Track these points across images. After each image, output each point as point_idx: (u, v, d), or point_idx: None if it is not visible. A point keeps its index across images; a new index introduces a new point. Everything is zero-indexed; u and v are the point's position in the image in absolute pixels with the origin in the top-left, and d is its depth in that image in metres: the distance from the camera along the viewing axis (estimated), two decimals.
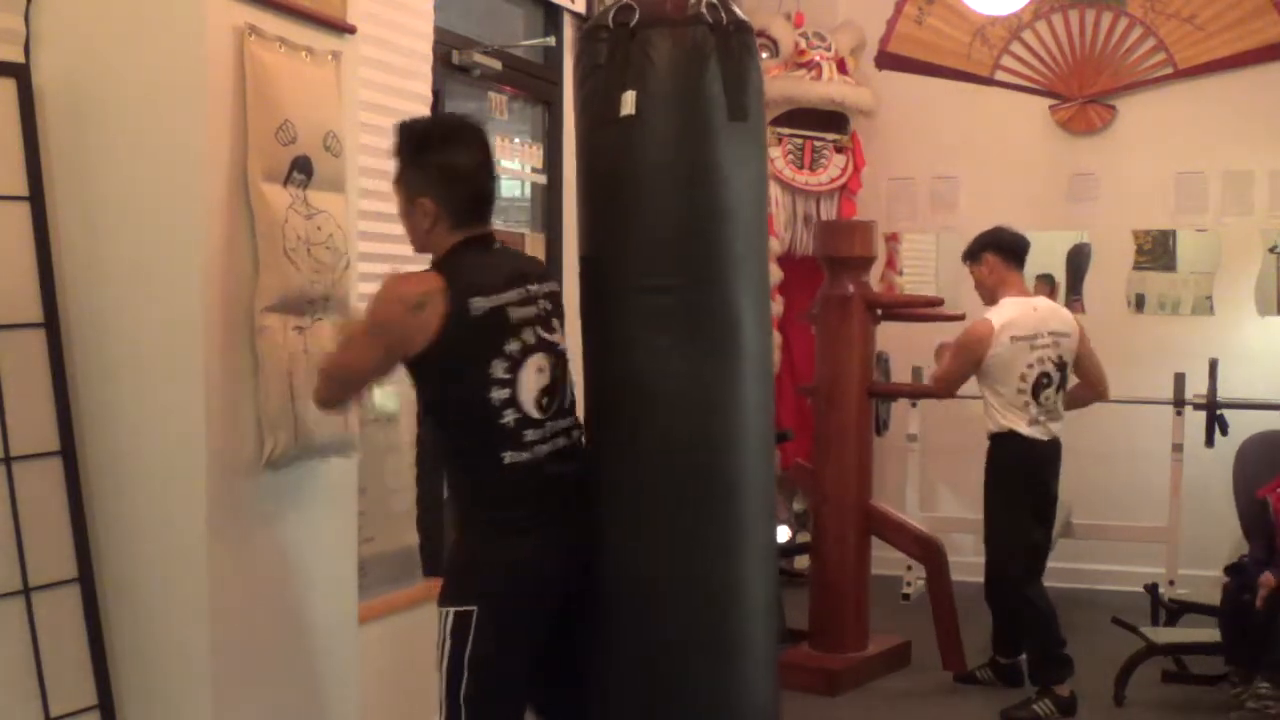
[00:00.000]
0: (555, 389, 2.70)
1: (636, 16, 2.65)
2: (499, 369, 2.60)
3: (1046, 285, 7.39)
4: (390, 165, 2.73)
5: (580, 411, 2.83)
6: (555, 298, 2.80)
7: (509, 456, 2.61)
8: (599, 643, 2.75)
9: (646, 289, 2.69)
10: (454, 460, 2.74)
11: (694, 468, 2.70)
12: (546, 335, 2.70)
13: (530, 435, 2.63)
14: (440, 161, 2.67)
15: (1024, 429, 4.75)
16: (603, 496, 2.74)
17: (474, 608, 2.59)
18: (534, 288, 2.72)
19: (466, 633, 2.59)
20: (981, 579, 4.97)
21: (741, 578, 2.74)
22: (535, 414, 2.64)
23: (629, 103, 2.63)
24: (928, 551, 5.24)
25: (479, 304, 2.59)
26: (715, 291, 2.69)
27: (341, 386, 2.71)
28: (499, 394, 2.60)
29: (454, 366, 2.61)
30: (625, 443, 2.74)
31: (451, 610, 2.61)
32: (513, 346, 2.62)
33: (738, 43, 2.69)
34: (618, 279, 2.74)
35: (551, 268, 5.11)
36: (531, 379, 2.64)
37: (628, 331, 2.72)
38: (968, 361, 4.84)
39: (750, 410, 2.74)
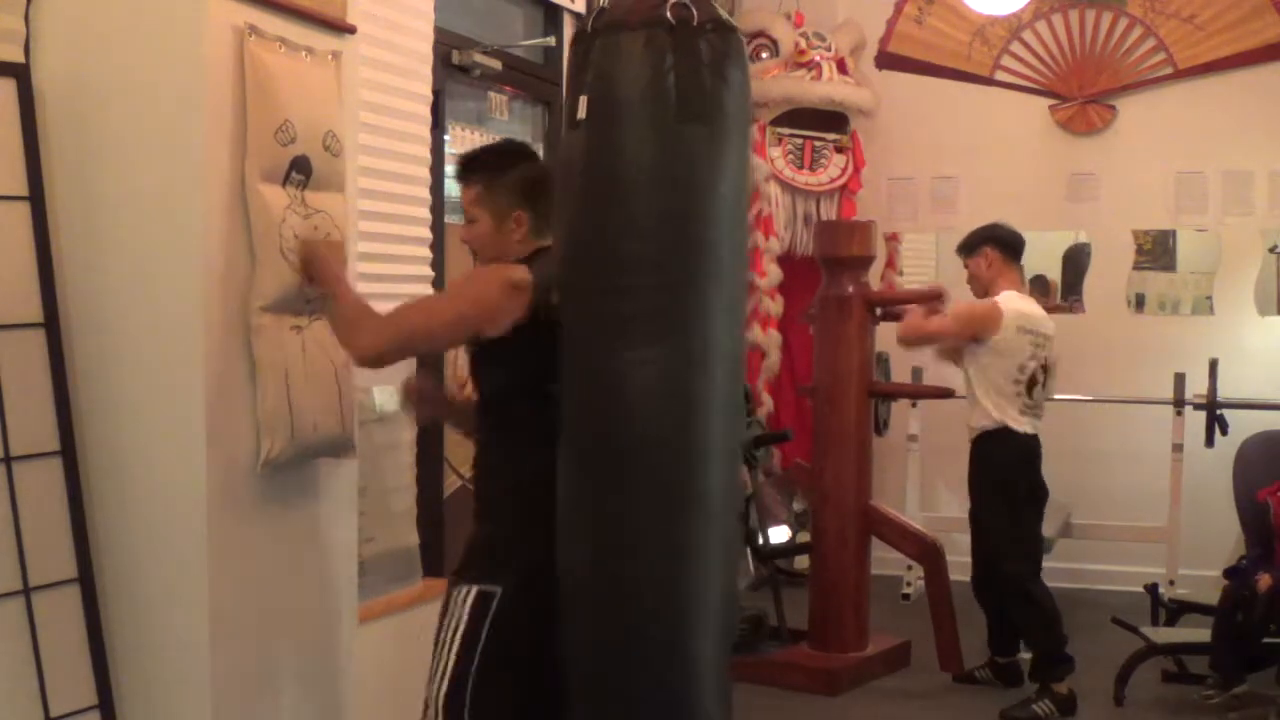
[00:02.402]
0: None
1: (604, 20, 2.66)
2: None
3: (1039, 288, 7.40)
4: (460, 187, 2.91)
5: None
6: None
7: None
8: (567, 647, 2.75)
9: (604, 291, 2.70)
10: (507, 444, 2.79)
11: (659, 469, 2.70)
12: None
13: None
14: (526, 177, 2.86)
15: (1016, 423, 4.76)
16: (570, 496, 2.74)
17: (499, 588, 2.67)
18: None
19: (486, 612, 2.66)
20: None
21: (703, 578, 2.73)
22: None
23: (582, 108, 2.66)
24: (926, 553, 5.24)
25: (555, 298, 2.68)
26: (674, 294, 2.69)
27: (401, 338, 2.75)
28: (556, 386, 2.67)
29: (526, 354, 2.69)
30: (592, 442, 2.74)
31: (475, 589, 2.69)
32: None
33: (708, 43, 2.66)
34: (580, 280, 2.76)
35: None
36: None
37: (589, 332, 2.73)
38: (964, 332, 4.82)
39: (715, 413, 2.73)
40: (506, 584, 2.67)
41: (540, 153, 5.11)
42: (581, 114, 2.64)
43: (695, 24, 2.63)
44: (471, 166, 2.91)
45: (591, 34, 2.66)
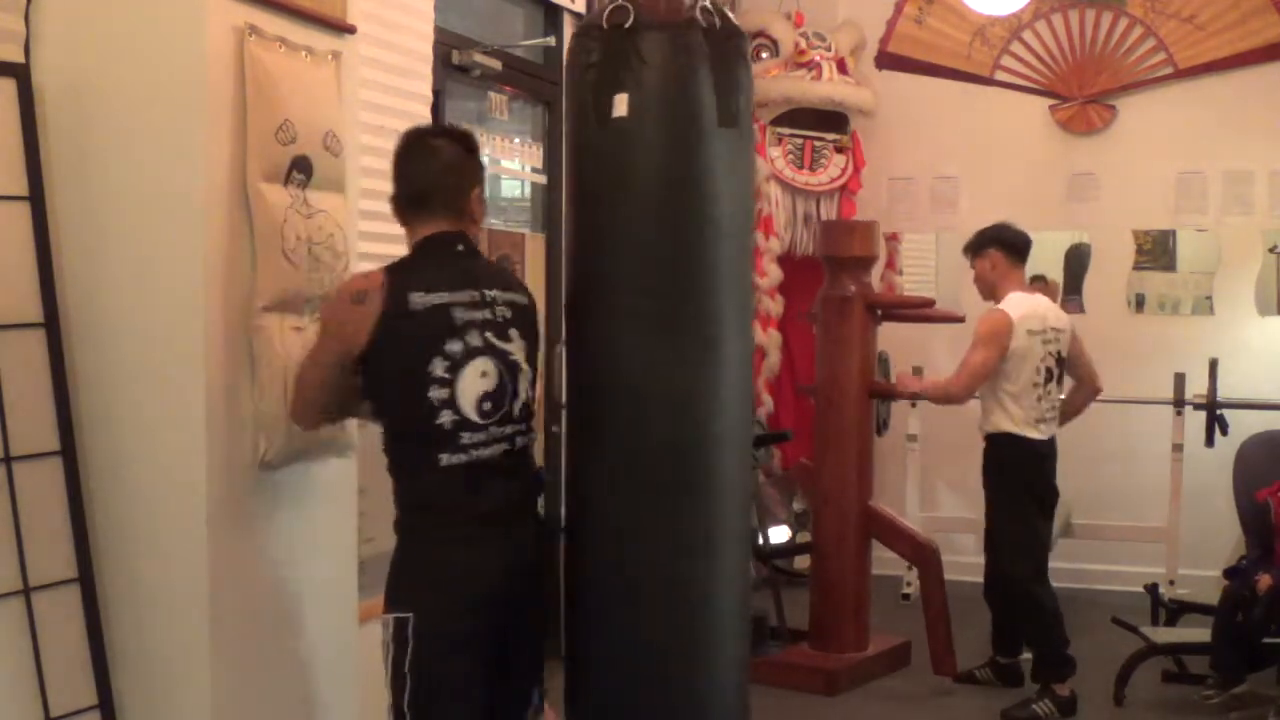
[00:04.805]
0: (500, 396, 2.63)
1: (631, 18, 2.65)
2: (439, 367, 2.57)
3: (1041, 285, 7.39)
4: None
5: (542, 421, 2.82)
6: (522, 310, 2.75)
7: (445, 459, 2.57)
8: (573, 643, 2.76)
9: (630, 292, 2.70)
10: (395, 462, 2.68)
11: (672, 470, 2.71)
12: (498, 342, 2.65)
13: (467, 439, 2.58)
14: (399, 164, 2.73)
15: (1027, 430, 4.75)
16: (578, 496, 2.76)
17: (410, 614, 2.57)
18: (493, 294, 2.68)
19: (405, 639, 2.57)
20: (982, 579, 4.98)
21: (716, 577, 2.75)
22: (475, 418, 2.59)
23: (621, 105, 2.64)
24: (922, 556, 5.23)
25: (418, 299, 2.58)
26: (697, 297, 2.70)
27: (300, 396, 2.68)
28: (438, 393, 2.56)
29: (393, 362, 2.59)
30: (603, 443, 2.75)
31: (391, 617, 2.60)
32: (454, 347, 2.58)
33: (731, 48, 2.69)
34: (603, 282, 2.75)
35: (552, 267, 5.11)
36: (473, 382, 2.59)
37: (609, 333, 2.73)
38: (995, 353, 4.74)
39: (729, 413, 2.75)
40: (416, 609, 2.58)
41: (540, 152, 5.14)
42: (621, 111, 2.63)
43: (719, 27, 2.65)
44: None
45: (614, 29, 2.67)
